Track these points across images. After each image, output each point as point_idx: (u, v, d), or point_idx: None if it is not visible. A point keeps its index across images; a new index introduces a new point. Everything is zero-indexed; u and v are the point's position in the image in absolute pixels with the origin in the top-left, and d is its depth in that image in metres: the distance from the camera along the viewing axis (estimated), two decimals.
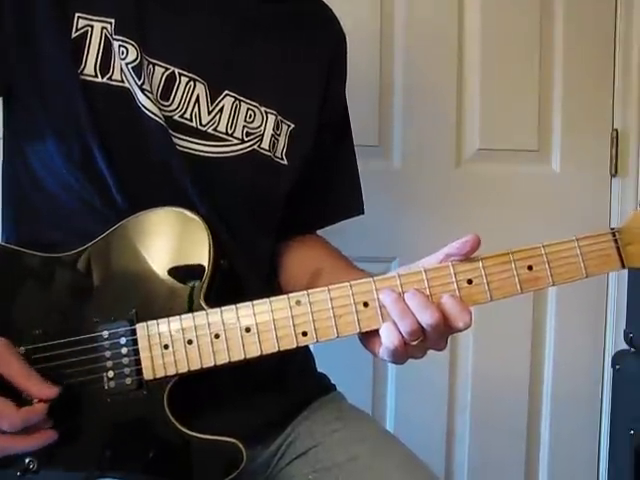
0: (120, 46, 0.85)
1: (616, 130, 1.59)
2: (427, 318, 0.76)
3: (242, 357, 0.78)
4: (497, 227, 1.52)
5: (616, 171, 1.60)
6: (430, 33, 1.50)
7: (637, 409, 1.39)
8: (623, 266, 0.81)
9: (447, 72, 1.52)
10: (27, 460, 0.76)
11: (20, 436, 0.73)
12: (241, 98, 0.92)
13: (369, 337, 0.82)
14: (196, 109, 0.89)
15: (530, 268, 0.79)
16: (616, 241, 0.81)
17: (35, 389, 0.74)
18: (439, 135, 1.53)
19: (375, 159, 1.48)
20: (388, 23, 1.48)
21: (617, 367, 1.43)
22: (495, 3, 1.52)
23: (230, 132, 0.91)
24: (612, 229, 0.81)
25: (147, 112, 0.85)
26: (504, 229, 1.49)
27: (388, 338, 0.77)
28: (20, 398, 0.73)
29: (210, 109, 0.90)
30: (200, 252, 0.82)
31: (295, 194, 1.01)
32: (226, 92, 0.91)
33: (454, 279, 0.79)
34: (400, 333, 0.77)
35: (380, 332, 0.78)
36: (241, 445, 0.79)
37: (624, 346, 1.44)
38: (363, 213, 1.11)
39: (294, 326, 0.78)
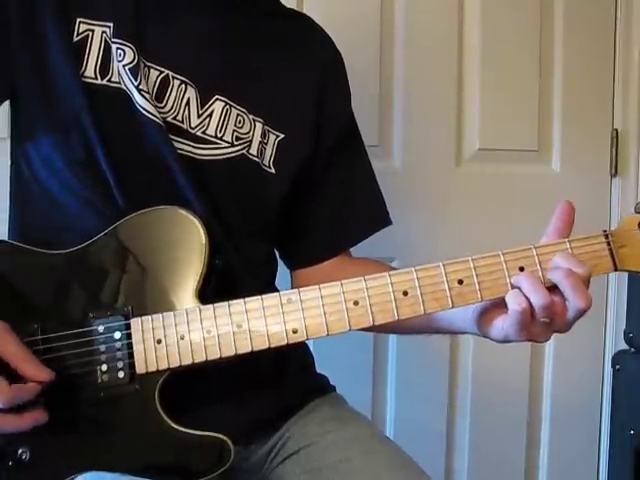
0: (118, 49, 0.87)
1: (616, 130, 1.59)
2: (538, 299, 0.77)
3: (233, 353, 0.79)
4: (497, 227, 1.52)
5: (616, 171, 1.60)
6: (430, 33, 1.50)
7: (637, 409, 1.39)
8: (616, 268, 0.81)
9: (447, 72, 1.52)
10: (20, 451, 0.77)
11: (12, 415, 0.74)
12: (231, 103, 0.93)
13: (485, 317, 0.83)
14: (186, 112, 0.91)
15: (522, 269, 0.80)
16: (609, 243, 0.81)
17: (30, 371, 0.75)
18: (439, 135, 1.53)
19: (375, 159, 1.46)
20: (388, 23, 1.48)
21: (617, 367, 1.43)
22: (495, 3, 1.52)
23: (219, 135, 0.92)
24: (604, 231, 0.81)
25: (145, 112, 0.87)
26: (504, 229, 1.49)
27: (514, 301, 0.77)
28: (15, 380, 0.74)
29: (200, 112, 0.91)
30: (195, 251, 0.83)
31: (317, 216, 1.03)
32: (216, 97, 0.92)
33: (445, 279, 0.79)
34: (527, 299, 0.77)
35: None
36: (229, 441, 0.80)
37: (624, 346, 1.44)
38: (391, 223, 1.09)
39: (285, 323, 0.79)
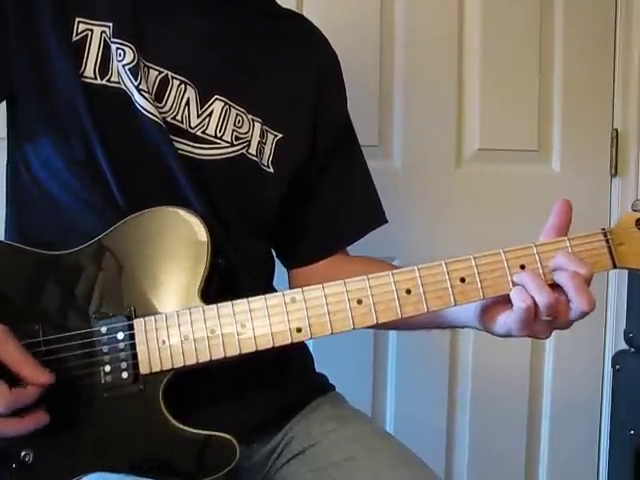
0: (118, 49, 0.87)
1: (616, 130, 1.59)
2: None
3: (237, 352, 0.79)
4: (497, 227, 1.52)
5: (616, 171, 1.60)
6: (430, 33, 1.50)
7: (637, 409, 1.39)
8: (614, 266, 0.82)
9: (447, 72, 1.52)
10: (23, 453, 0.77)
11: (13, 419, 0.74)
12: (231, 103, 0.93)
13: (487, 313, 0.83)
14: (186, 112, 0.91)
15: (523, 267, 0.80)
16: (607, 241, 0.82)
17: (30, 374, 0.74)
18: (439, 135, 1.53)
19: (375, 159, 1.47)
20: (388, 23, 1.48)
21: (617, 367, 1.44)
22: (495, 3, 1.52)
23: (219, 135, 0.93)
24: (603, 229, 0.82)
25: (145, 112, 0.87)
26: (504, 229, 1.49)
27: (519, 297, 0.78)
28: (15, 383, 0.74)
29: (199, 112, 0.91)
30: (198, 251, 0.83)
31: (314, 217, 1.03)
32: (216, 97, 0.92)
33: (447, 277, 0.80)
34: (531, 297, 0.77)
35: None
36: (234, 441, 0.80)
37: (624, 346, 1.44)
38: (386, 222, 1.10)
39: (289, 322, 0.79)
